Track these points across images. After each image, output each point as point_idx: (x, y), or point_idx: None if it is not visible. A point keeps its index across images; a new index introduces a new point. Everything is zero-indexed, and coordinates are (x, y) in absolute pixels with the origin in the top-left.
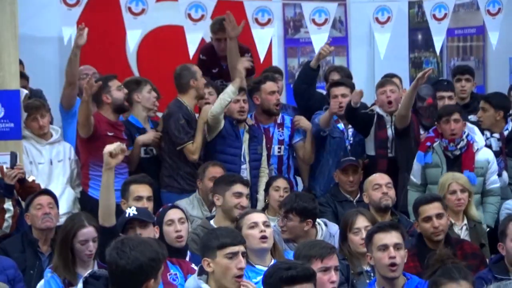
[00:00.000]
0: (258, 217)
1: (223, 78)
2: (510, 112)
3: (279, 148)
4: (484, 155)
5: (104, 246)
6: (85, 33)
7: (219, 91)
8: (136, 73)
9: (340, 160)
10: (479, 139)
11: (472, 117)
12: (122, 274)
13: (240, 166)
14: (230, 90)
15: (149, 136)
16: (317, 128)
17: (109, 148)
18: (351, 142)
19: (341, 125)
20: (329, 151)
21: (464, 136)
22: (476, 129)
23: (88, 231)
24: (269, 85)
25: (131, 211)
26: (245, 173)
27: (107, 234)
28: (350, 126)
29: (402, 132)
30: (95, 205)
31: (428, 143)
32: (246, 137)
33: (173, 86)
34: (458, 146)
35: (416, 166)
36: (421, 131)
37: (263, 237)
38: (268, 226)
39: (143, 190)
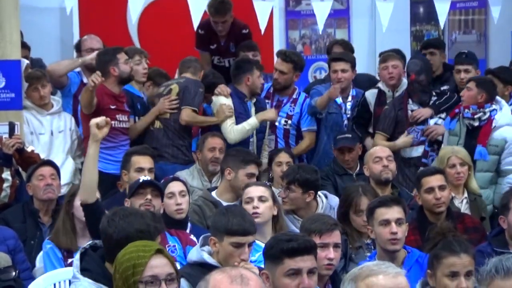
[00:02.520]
0: (255, 191)
1: (221, 55)
2: None
3: (286, 121)
4: (503, 133)
5: (90, 224)
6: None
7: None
8: (137, 44)
9: (336, 136)
10: (502, 116)
11: (445, 88)
12: (109, 243)
13: (247, 141)
14: (254, 124)
15: (164, 103)
16: (314, 110)
17: (95, 120)
18: (348, 116)
19: (339, 99)
20: (325, 127)
21: (487, 109)
22: (505, 106)
23: None
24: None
25: (144, 177)
26: (253, 146)
27: (90, 212)
28: (349, 100)
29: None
30: (99, 177)
31: (457, 110)
32: (253, 110)
33: (173, 57)
34: (476, 116)
35: (446, 132)
36: (414, 107)
37: (255, 213)
38: (263, 201)
39: (144, 161)
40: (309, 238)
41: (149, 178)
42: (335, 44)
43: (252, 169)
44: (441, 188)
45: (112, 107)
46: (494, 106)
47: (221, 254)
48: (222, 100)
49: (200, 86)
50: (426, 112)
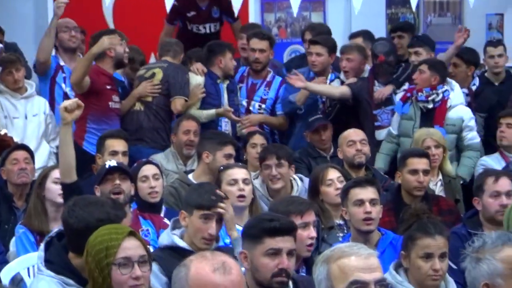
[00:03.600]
0: (238, 173)
1: (200, 22)
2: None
3: (260, 105)
4: (458, 112)
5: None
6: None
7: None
8: (111, 25)
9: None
10: (455, 96)
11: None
12: (71, 233)
13: (219, 120)
14: (210, 116)
15: (146, 87)
16: (294, 106)
17: (64, 103)
18: (323, 100)
19: None
20: (300, 116)
21: (440, 91)
22: (456, 86)
23: None
24: (252, 42)
25: (110, 162)
26: (227, 126)
27: (68, 191)
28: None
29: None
30: (90, 159)
31: (409, 94)
32: (225, 93)
33: (148, 40)
34: (430, 99)
35: (395, 116)
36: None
37: (241, 196)
38: (247, 183)
39: (118, 144)
40: (291, 219)
41: (115, 163)
42: (306, 30)
43: (229, 150)
44: (425, 172)
45: (109, 87)
46: (446, 87)
47: (190, 228)
48: (198, 79)
49: (186, 72)
50: (387, 89)
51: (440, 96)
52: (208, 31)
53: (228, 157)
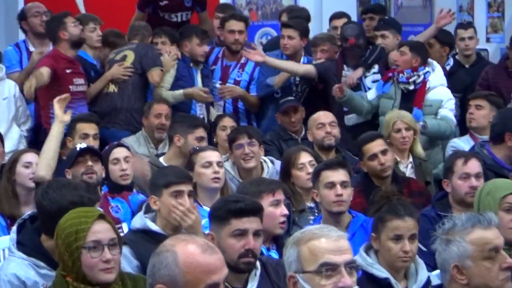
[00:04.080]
0: (212, 156)
1: (173, 10)
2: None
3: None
4: (438, 94)
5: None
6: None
7: (172, 38)
8: (83, 10)
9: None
10: (435, 77)
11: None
12: (44, 215)
13: (191, 104)
14: (179, 97)
15: (118, 69)
16: (271, 89)
17: (56, 100)
18: (296, 82)
19: None
20: (275, 99)
21: (421, 72)
22: (438, 67)
23: (32, 155)
24: (229, 24)
25: (81, 145)
26: (202, 110)
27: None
28: None
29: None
30: None
31: (390, 74)
32: (199, 76)
33: (119, 24)
34: (411, 80)
35: (375, 91)
36: (349, 72)
37: (216, 179)
38: (221, 166)
39: (89, 128)
40: (257, 200)
41: (85, 145)
42: (283, 12)
43: (200, 132)
44: (383, 152)
45: (68, 71)
46: (427, 68)
47: (163, 209)
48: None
49: (155, 48)
50: (357, 73)
51: (422, 77)
52: (179, 19)
53: (200, 139)
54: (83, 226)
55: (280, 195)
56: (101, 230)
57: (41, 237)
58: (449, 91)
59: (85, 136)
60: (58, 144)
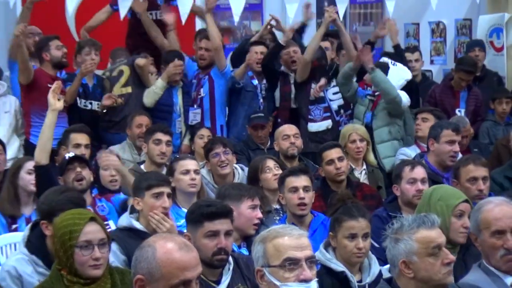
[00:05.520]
0: (190, 164)
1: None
2: None
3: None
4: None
5: (40, 187)
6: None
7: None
8: (75, 35)
9: (250, 115)
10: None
11: None
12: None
13: (172, 119)
14: (160, 85)
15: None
16: (233, 80)
17: (52, 89)
18: (263, 95)
19: (255, 81)
20: (243, 103)
21: None
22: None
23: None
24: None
25: (69, 154)
26: (180, 124)
27: (42, 174)
28: (263, 82)
29: (301, 85)
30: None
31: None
32: (180, 93)
33: (108, 45)
34: (376, 94)
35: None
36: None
37: (193, 184)
38: (197, 173)
39: (81, 138)
40: (226, 203)
41: (73, 154)
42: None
43: (157, 136)
44: (340, 159)
45: (50, 85)
46: None
47: (145, 210)
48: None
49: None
50: (323, 82)
51: None
52: (155, 17)
53: (158, 142)
54: (76, 227)
55: (257, 201)
56: (92, 231)
57: (47, 238)
58: (404, 92)
59: (78, 145)
60: (52, 131)
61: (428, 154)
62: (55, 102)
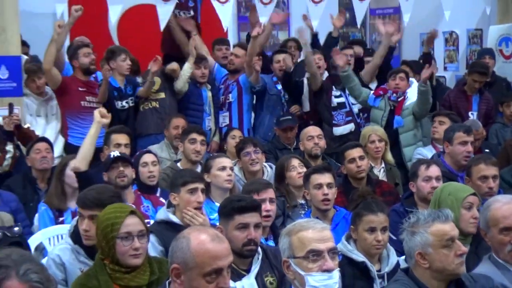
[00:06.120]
0: (226, 161)
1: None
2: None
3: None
4: (410, 100)
5: (80, 187)
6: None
7: None
8: (117, 43)
9: (278, 114)
10: (412, 90)
11: None
12: None
13: (202, 118)
14: (187, 67)
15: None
16: (250, 84)
17: (100, 109)
18: (286, 99)
19: (279, 86)
20: (268, 106)
21: (407, 93)
22: (414, 82)
23: None
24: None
25: (114, 153)
26: (210, 122)
27: (81, 178)
28: None
29: (319, 93)
30: (74, 150)
31: (381, 92)
32: (209, 94)
33: (148, 52)
34: (399, 99)
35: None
36: (337, 92)
37: (229, 180)
38: (232, 170)
39: (121, 138)
40: (255, 198)
41: (118, 154)
42: (288, 41)
43: (192, 135)
44: (361, 158)
45: (81, 89)
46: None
47: (181, 204)
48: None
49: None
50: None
51: (403, 96)
52: (186, 16)
53: (193, 141)
54: (117, 220)
55: (264, 194)
56: (132, 223)
57: None
58: None
59: (118, 145)
60: (94, 142)
61: (444, 155)
62: (100, 118)
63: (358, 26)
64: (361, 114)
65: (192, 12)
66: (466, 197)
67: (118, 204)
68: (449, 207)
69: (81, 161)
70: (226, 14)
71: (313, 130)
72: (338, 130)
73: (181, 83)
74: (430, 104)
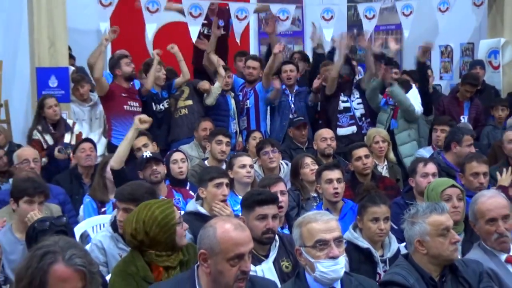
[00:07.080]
0: (246, 160)
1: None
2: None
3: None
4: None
5: (116, 183)
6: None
7: None
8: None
9: (287, 117)
10: (412, 94)
11: None
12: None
13: (228, 122)
14: (217, 85)
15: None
16: (269, 101)
17: (141, 116)
18: (293, 102)
19: (287, 91)
20: (278, 111)
21: None
22: (413, 87)
23: None
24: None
25: (146, 153)
26: (235, 126)
27: (116, 176)
28: (294, 93)
29: (329, 97)
30: (115, 150)
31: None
32: (233, 101)
33: (178, 65)
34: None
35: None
36: (344, 98)
37: (248, 176)
38: (252, 167)
39: (138, 142)
40: (273, 192)
41: (150, 154)
42: (294, 53)
43: (219, 137)
44: (366, 156)
45: (124, 95)
46: None
47: (208, 197)
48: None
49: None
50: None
51: None
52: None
53: (219, 142)
54: (169, 210)
55: (275, 187)
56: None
57: None
58: (418, 100)
59: (138, 149)
60: (130, 145)
61: (447, 153)
62: (138, 124)
63: (366, 40)
64: (363, 118)
65: (223, 31)
66: (444, 190)
67: (157, 200)
68: (433, 200)
69: (116, 160)
70: (240, 30)
71: (326, 133)
72: (341, 131)
73: (211, 100)
74: (405, 106)
